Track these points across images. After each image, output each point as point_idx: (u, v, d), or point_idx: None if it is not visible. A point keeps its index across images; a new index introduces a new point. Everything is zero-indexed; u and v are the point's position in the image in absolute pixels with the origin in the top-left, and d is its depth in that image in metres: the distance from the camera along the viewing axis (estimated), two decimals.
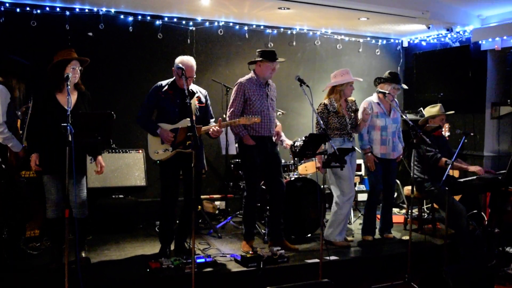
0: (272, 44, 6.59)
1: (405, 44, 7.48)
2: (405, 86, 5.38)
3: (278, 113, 5.66)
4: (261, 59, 4.55)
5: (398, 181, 7.03)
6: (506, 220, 4.91)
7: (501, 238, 4.90)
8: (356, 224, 5.95)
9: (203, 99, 4.41)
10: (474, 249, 4.69)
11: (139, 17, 5.88)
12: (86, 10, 5.62)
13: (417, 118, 6.49)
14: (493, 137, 6.37)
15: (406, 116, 4.99)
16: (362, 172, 6.68)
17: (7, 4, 5.28)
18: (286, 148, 5.39)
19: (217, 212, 6.05)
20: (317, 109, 4.88)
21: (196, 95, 4.36)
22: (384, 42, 7.40)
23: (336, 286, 3.13)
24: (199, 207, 5.53)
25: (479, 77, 6.24)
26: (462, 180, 4.76)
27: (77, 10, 5.56)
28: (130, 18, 5.84)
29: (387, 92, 4.98)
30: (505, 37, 5.92)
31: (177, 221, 4.62)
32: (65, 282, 3.18)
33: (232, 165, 6.00)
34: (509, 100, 5.95)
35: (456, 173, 5.93)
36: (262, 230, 5.17)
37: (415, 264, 4.46)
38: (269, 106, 4.64)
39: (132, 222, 5.41)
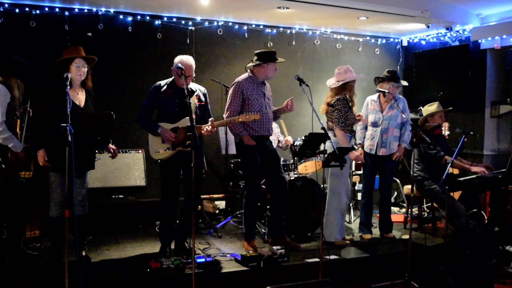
0: (271, 44, 6.59)
1: (405, 43, 7.48)
2: (404, 83, 5.37)
3: None
4: (266, 63, 4.52)
5: (398, 180, 7.03)
6: (506, 218, 4.92)
7: (501, 237, 4.91)
8: (356, 223, 5.94)
9: (202, 98, 4.41)
10: (474, 248, 4.69)
11: (138, 17, 5.88)
12: (85, 10, 5.61)
13: (416, 117, 6.48)
14: (492, 135, 6.37)
15: (405, 115, 4.99)
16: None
17: (6, 5, 5.28)
18: (287, 144, 5.44)
19: (217, 211, 6.05)
20: (336, 103, 4.78)
21: (196, 93, 4.35)
22: (384, 41, 7.39)
23: (336, 286, 3.13)
24: (199, 206, 5.53)
25: (479, 76, 6.24)
26: (462, 179, 4.76)
27: (76, 10, 5.56)
28: (130, 18, 5.84)
29: (386, 91, 4.98)
30: (504, 36, 5.91)
31: (177, 221, 4.62)
32: (65, 283, 3.18)
33: (232, 165, 6.00)
34: (508, 99, 5.94)
35: (456, 172, 5.94)
36: (262, 230, 5.17)
37: (415, 263, 4.47)
38: (266, 105, 4.64)
39: (132, 222, 5.41)
